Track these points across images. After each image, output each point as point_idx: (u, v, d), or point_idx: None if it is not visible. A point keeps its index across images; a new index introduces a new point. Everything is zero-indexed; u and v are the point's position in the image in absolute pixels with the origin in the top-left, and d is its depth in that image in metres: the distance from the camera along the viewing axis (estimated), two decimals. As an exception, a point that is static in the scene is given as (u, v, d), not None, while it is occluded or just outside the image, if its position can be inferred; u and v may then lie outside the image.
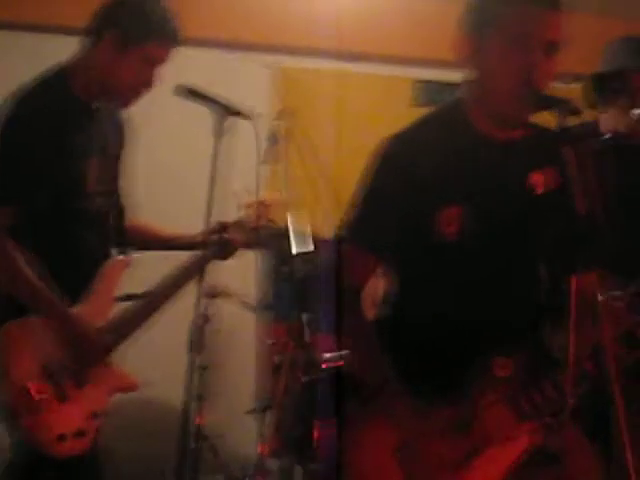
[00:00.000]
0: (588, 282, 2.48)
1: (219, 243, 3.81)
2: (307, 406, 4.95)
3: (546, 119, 2.75)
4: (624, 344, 2.80)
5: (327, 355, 4.98)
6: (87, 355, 3.62)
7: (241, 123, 3.88)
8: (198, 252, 3.88)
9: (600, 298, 2.47)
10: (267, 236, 4.39)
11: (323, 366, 4.93)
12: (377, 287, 3.08)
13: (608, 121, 4.19)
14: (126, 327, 3.77)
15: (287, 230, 4.49)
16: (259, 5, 6.80)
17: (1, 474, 3.84)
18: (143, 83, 3.69)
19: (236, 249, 3.96)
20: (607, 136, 4.14)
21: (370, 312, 3.08)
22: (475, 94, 2.98)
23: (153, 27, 3.64)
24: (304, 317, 4.34)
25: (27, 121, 3.55)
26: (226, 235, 3.84)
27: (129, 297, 3.83)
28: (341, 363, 4.60)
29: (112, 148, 3.88)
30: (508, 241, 2.92)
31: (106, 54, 3.63)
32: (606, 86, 4.20)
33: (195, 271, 3.83)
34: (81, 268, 3.73)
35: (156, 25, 3.64)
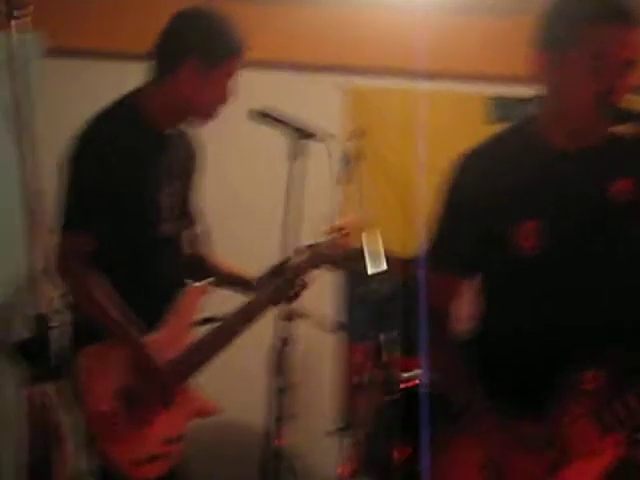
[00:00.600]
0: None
1: (280, 287, 3.79)
2: (387, 426, 4.93)
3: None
4: None
5: (405, 375, 4.96)
6: (156, 383, 3.63)
7: (314, 145, 3.87)
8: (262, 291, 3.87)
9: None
10: (343, 258, 4.38)
11: (412, 385, 4.92)
12: (463, 306, 3.06)
13: None
14: (201, 357, 3.78)
15: (362, 251, 4.46)
16: (328, 27, 6.82)
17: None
18: (222, 99, 3.71)
19: (304, 288, 3.94)
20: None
21: (457, 331, 3.06)
22: (549, 109, 2.94)
23: (229, 45, 3.65)
24: (382, 337, 4.31)
25: (98, 150, 3.57)
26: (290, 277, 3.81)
27: (207, 320, 3.83)
28: (418, 382, 4.62)
29: (184, 174, 3.89)
30: (589, 253, 2.87)
31: (188, 80, 3.62)
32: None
33: (262, 308, 3.84)
34: (157, 295, 3.73)
35: (231, 42, 3.65)
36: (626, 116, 2.67)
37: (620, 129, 2.79)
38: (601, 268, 2.87)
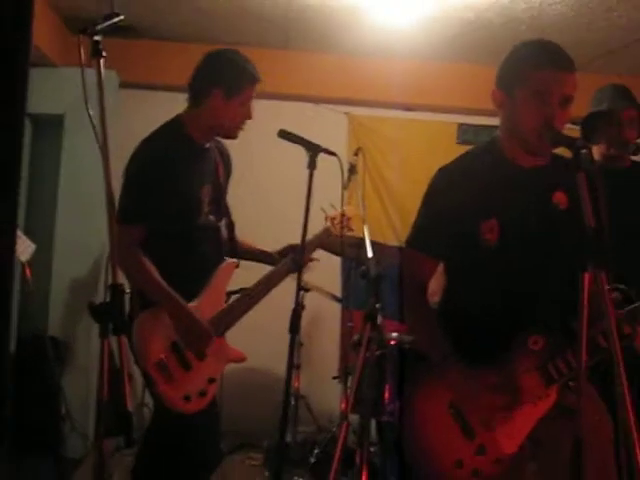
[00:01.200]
0: (598, 278, 2.46)
1: (297, 258, 3.82)
2: (379, 373, 4.94)
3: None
4: (628, 324, 2.80)
5: (394, 334, 4.99)
6: (198, 338, 3.65)
7: (326, 159, 3.89)
8: (282, 262, 3.91)
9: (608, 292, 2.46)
10: (349, 245, 4.39)
11: (391, 342, 4.94)
12: (438, 282, 3.07)
13: (600, 150, 4.19)
14: (232, 317, 3.80)
15: (363, 239, 4.48)
16: (338, 69, 6.84)
17: (148, 427, 3.90)
18: (245, 118, 3.76)
19: (307, 264, 3.95)
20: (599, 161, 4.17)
21: (433, 301, 3.07)
22: (507, 133, 2.98)
23: (246, 77, 3.71)
24: (377, 305, 4.32)
25: (152, 156, 3.62)
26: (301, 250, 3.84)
27: (236, 292, 3.85)
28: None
29: (221, 178, 3.90)
30: (536, 244, 2.90)
31: (215, 106, 3.69)
32: (597, 123, 4.19)
33: (282, 277, 3.87)
34: (198, 270, 3.75)
35: (247, 74, 3.71)
36: (564, 141, 2.69)
37: (560, 151, 2.81)
38: (544, 256, 2.90)
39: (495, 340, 2.87)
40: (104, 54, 2.70)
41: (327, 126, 6.34)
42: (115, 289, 2.57)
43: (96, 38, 2.71)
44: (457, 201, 2.94)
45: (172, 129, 3.73)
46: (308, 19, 5.92)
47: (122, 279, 2.73)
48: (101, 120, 2.58)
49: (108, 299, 2.58)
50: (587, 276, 2.44)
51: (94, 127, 2.57)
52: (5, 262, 1.38)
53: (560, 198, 2.93)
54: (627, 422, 2.34)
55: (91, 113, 2.58)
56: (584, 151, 2.59)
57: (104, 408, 2.69)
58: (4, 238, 1.39)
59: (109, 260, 2.68)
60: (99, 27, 2.74)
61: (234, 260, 3.87)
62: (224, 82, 3.67)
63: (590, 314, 2.48)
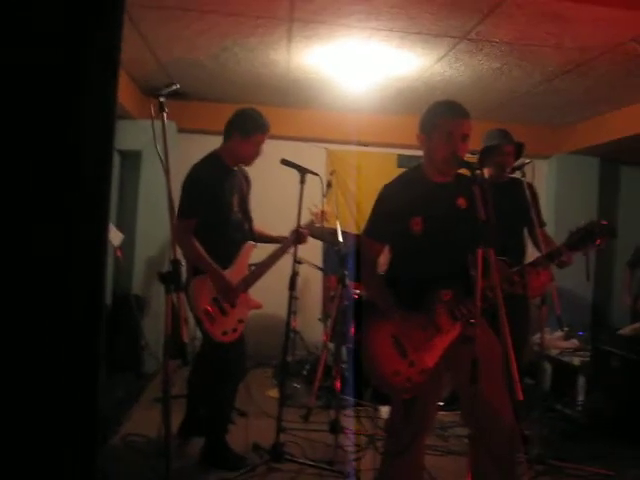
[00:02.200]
0: (489, 254, 2.48)
1: (295, 237, 3.82)
2: (347, 316, 4.95)
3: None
4: (506, 284, 2.80)
5: (356, 291, 4.99)
6: (229, 293, 3.68)
7: (312, 177, 3.90)
8: (285, 240, 3.91)
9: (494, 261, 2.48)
10: (326, 232, 4.39)
11: (356, 297, 4.94)
12: (385, 258, 3.07)
13: (488, 171, 4.23)
14: (252, 279, 3.81)
15: (336, 229, 4.49)
16: (320, 118, 6.82)
17: (198, 352, 3.95)
18: (256, 155, 3.82)
19: (306, 240, 3.96)
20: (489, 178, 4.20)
21: (381, 270, 3.08)
22: (427, 161, 2.97)
23: (255, 125, 3.76)
24: (345, 272, 4.33)
25: (199, 174, 3.72)
26: (298, 232, 3.85)
27: (254, 264, 3.86)
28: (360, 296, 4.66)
29: (244, 190, 3.91)
30: (447, 233, 2.90)
31: (235, 144, 3.76)
32: (487, 153, 4.22)
33: (284, 252, 3.88)
34: (231, 248, 3.77)
35: (256, 124, 3.77)
36: (465, 165, 2.71)
37: (462, 171, 2.82)
38: (453, 239, 2.89)
39: (421, 294, 2.88)
40: (166, 110, 2.71)
41: (312, 157, 6.30)
42: (174, 263, 2.60)
43: (161, 99, 2.72)
44: (395, 205, 2.93)
45: (211, 157, 3.80)
46: (299, 86, 5.91)
47: (179, 256, 2.75)
48: (165, 154, 2.60)
49: (170, 269, 2.60)
50: (480, 252, 2.46)
51: (160, 159, 2.59)
52: (101, 247, 1.38)
53: (461, 202, 2.93)
54: (506, 345, 2.36)
55: (159, 149, 2.60)
56: (478, 171, 2.62)
57: (168, 340, 2.70)
58: (102, 230, 1.39)
59: (171, 244, 2.69)
60: (162, 92, 2.76)
61: (253, 243, 3.87)
62: (241, 128, 3.74)
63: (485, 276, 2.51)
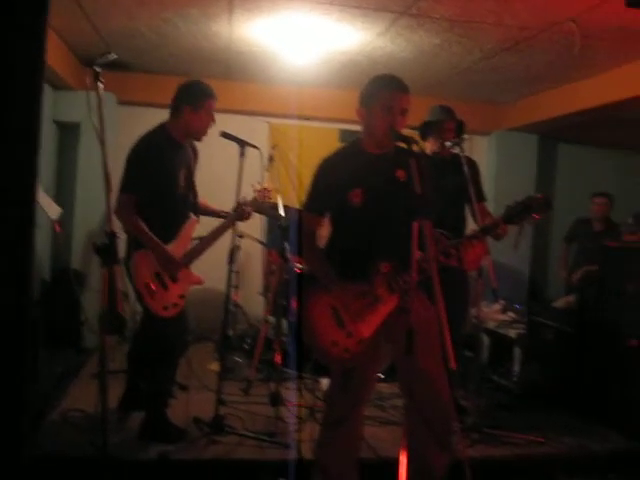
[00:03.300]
0: (426, 226, 2.52)
1: (237, 213, 3.81)
2: (288, 290, 4.96)
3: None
4: (443, 257, 2.85)
5: (298, 265, 5.00)
6: (171, 268, 3.65)
7: (253, 151, 3.90)
8: (229, 216, 3.89)
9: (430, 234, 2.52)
10: (268, 207, 4.39)
11: (296, 270, 4.96)
12: (325, 231, 3.09)
13: (430, 146, 4.30)
14: (194, 254, 3.79)
15: (278, 203, 4.50)
16: (263, 92, 6.78)
17: (138, 327, 3.93)
18: (208, 124, 3.75)
19: (249, 217, 3.95)
20: (429, 154, 4.30)
21: (321, 243, 3.09)
22: (366, 134, 2.99)
23: (206, 92, 3.73)
24: (285, 246, 4.33)
25: (144, 148, 3.63)
26: (242, 209, 3.84)
27: (197, 238, 3.83)
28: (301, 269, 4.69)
29: (191, 165, 3.87)
30: (386, 204, 2.92)
31: (186, 117, 3.68)
32: (429, 129, 4.27)
33: (227, 227, 3.85)
34: (174, 223, 3.73)
35: (207, 91, 3.73)
36: (403, 138, 2.73)
37: (400, 144, 2.84)
38: (391, 211, 2.92)
39: (360, 266, 2.89)
40: (102, 80, 2.67)
41: (255, 131, 6.30)
42: (110, 235, 2.57)
43: (96, 69, 2.67)
44: (334, 177, 2.95)
45: (159, 131, 3.73)
46: (242, 59, 5.86)
47: (116, 228, 2.72)
48: (100, 125, 2.56)
49: (106, 241, 2.58)
50: (416, 224, 2.50)
51: (96, 130, 2.56)
52: (27, 227, 1.36)
53: (400, 174, 2.94)
54: (440, 315, 2.41)
55: (94, 120, 2.56)
56: (415, 145, 2.65)
57: (104, 314, 2.67)
58: (26, 208, 1.37)
59: (106, 216, 2.65)
60: (97, 61, 2.71)
61: (196, 217, 3.85)
62: (190, 100, 3.67)
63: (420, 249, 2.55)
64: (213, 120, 3.75)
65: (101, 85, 2.71)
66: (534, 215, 2.89)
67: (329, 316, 2.91)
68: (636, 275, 4.49)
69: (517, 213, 2.89)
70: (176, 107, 3.72)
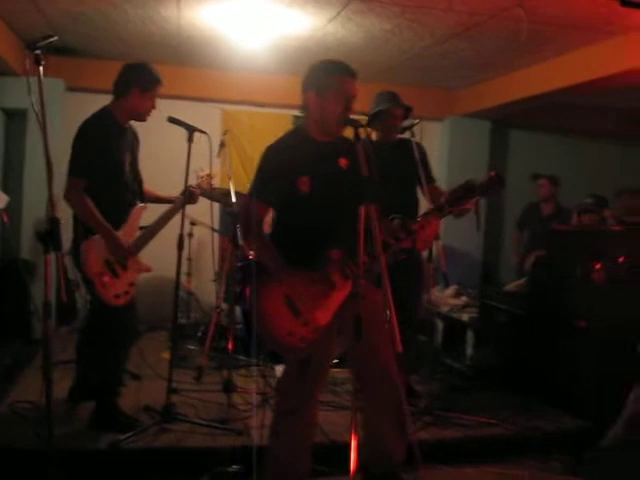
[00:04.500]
0: (371, 210, 2.52)
1: (185, 197, 3.78)
2: (240, 277, 4.94)
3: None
4: (393, 240, 2.87)
5: (251, 252, 4.98)
6: (121, 255, 3.61)
7: (202, 137, 3.86)
8: (178, 200, 3.86)
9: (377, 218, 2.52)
10: (220, 193, 4.36)
11: (249, 257, 4.94)
12: (269, 219, 3.08)
13: (378, 133, 4.36)
14: (142, 241, 3.75)
15: (230, 189, 4.48)
16: (216, 79, 6.73)
17: (89, 315, 3.89)
18: (152, 108, 3.71)
19: (196, 201, 3.93)
20: (378, 140, 4.33)
21: (267, 231, 3.08)
22: (313, 120, 2.97)
23: (156, 78, 3.67)
24: (237, 232, 4.31)
25: (90, 131, 3.57)
26: (189, 192, 3.82)
27: (143, 227, 3.79)
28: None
29: (134, 149, 3.82)
30: (332, 192, 2.91)
31: (133, 99, 3.62)
32: (376, 116, 4.28)
33: (175, 212, 3.82)
34: (121, 209, 3.68)
35: (157, 77, 3.68)
36: (351, 122, 2.73)
37: (347, 131, 2.83)
38: (338, 199, 2.91)
39: (311, 254, 2.88)
40: (43, 63, 2.60)
41: (208, 117, 6.25)
42: (53, 221, 2.53)
43: (36, 52, 2.61)
44: (281, 165, 2.93)
45: (102, 114, 3.66)
46: (193, 44, 5.80)
47: (60, 214, 2.67)
48: (41, 110, 2.51)
49: (48, 228, 2.53)
50: (363, 208, 2.50)
51: (37, 115, 2.51)
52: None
53: (343, 162, 2.95)
54: (387, 299, 2.42)
55: (34, 104, 2.51)
56: (361, 129, 2.65)
57: (47, 303, 2.62)
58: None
59: (49, 201, 2.60)
60: (38, 44, 2.64)
61: (143, 204, 3.80)
62: (139, 83, 3.61)
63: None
64: (154, 107, 3.72)
65: (42, 69, 2.64)
66: (473, 197, 2.91)
67: (284, 306, 2.89)
68: (584, 257, 4.57)
69: (459, 197, 2.91)
70: (122, 89, 3.65)
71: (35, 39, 2.71)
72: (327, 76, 2.90)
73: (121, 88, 3.65)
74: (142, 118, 3.73)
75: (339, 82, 2.86)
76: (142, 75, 3.66)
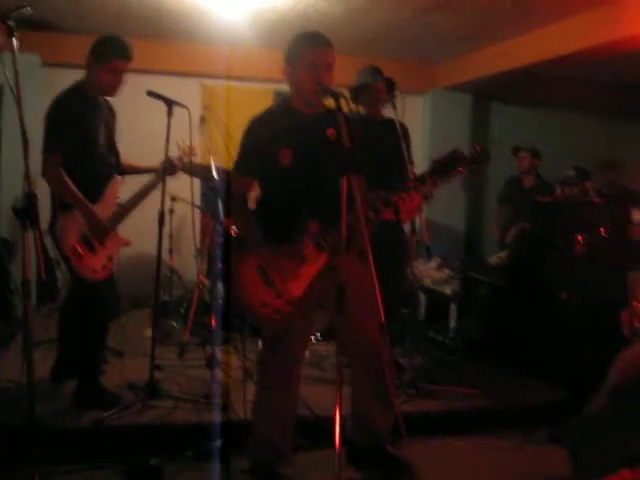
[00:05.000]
0: (355, 181, 2.50)
1: (166, 168, 3.75)
2: (222, 252, 4.90)
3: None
4: (372, 212, 2.85)
5: (234, 227, 4.96)
6: (99, 230, 3.58)
7: (182, 111, 3.80)
8: (157, 172, 3.82)
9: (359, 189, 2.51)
10: (201, 169, 4.33)
11: (232, 233, 4.92)
12: (255, 193, 3.07)
13: (362, 109, 4.37)
14: (121, 215, 3.73)
15: (210, 164, 4.44)
16: (195, 53, 6.67)
17: (68, 291, 3.87)
18: (117, 83, 3.63)
19: (177, 172, 3.93)
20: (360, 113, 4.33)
21: (251, 206, 3.06)
22: (295, 93, 2.98)
23: (114, 52, 3.58)
24: (219, 208, 4.29)
25: (63, 105, 3.54)
26: (170, 163, 3.79)
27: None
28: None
29: (109, 122, 3.78)
30: (316, 164, 2.91)
31: (96, 71, 3.58)
32: (359, 91, 4.25)
33: (155, 185, 3.80)
34: (98, 183, 3.66)
35: (115, 50, 3.59)
36: (330, 92, 2.71)
37: (329, 102, 2.81)
38: (322, 172, 2.90)
39: (290, 226, 2.90)
40: (16, 34, 2.54)
41: (188, 91, 6.14)
42: (30, 196, 2.49)
43: (9, 23, 2.54)
44: (263, 138, 2.93)
45: (74, 88, 3.62)
46: (173, 17, 5.72)
47: (38, 192, 2.62)
48: (17, 86, 2.46)
49: (25, 204, 2.49)
50: (346, 179, 2.48)
51: (11, 89, 2.46)
52: None
53: (331, 133, 2.92)
54: (371, 271, 2.41)
55: (8, 77, 2.45)
56: (342, 99, 2.63)
57: (26, 280, 2.59)
58: None
59: (25, 177, 2.55)
60: (11, 15, 2.57)
61: (120, 178, 3.77)
62: (97, 54, 3.57)
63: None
64: (120, 82, 3.64)
65: (17, 42, 2.58)
66: (459, 169, 2.90)
67: (257, 277, 2.91)
68: (566, 229, 4.58)
69: (443, 166, 2.90)
70: (87, 62, 3.62)
71: (7, 9, 2.63)
72: (297, 48, 2.91)
73: (86, 62, 3.62)
74: (109, 93, 3.68)
75: (308, 53, 2.86)
76: (101, 47, 3.60)
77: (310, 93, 2.86)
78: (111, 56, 3.56)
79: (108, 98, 3.76)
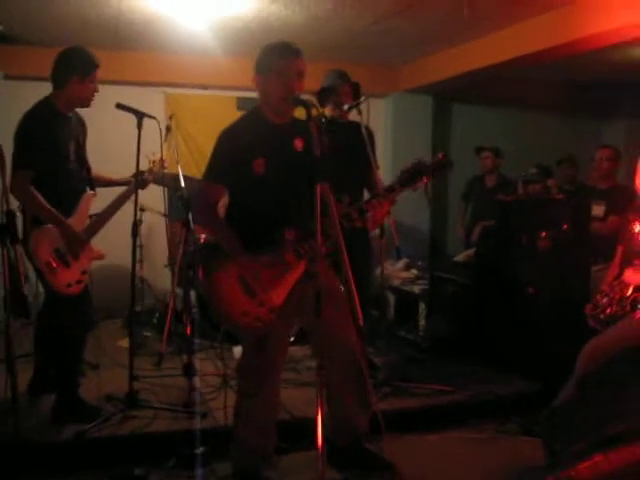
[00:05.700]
0: (325, 189, 2.55)
1: (138, 181, 3.76)
2: (194, 261, 4.92)
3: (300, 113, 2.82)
4: (345, 220, 2.91)
5: (203, 235, 4.98)
6: (75, 244, 3.58)
7: (149, 122, 3.82)
8: (127, 187, 3.85)
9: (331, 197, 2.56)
10: (168, 178, 4.35)
11: (201, 241, 4.94)
12: (224, 201, 3.08)
13: (328, 112, 4.39)
14: (94, 229, 3.72)
15: (178, 174, 4.46)
16: (160, 62, 6.64)
17: (43, 305, 3.81)
18: (94, 92, 3.62)
19: (148, 184, 3.95)
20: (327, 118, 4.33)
21: (221, 213, 3.09)
22: (265, 102, 3.00)
23: (94, 62, 3.60)
24: (189, 216, 4.30)
25: (31, 123, 3.51)
26: (142, 177, 3.80)
27: (94, 215, 3.76)
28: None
29: (80, 138, 3.77)
30: (289, 172, 2.95)
31: (74, 86, 3.55)
32: (325, 94, 4.31)
33: (127, 197, 3.80)
34: (70, 198, 3.64)
35: (95, 60, 3.60)
36: (300, 102, 2.77)
37: (298, 112, 2.87)
38: (292, 180, 2.97)
39: (266, 235, 2.92)
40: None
41: (151, 101, 6.13)
42: (8, 214, 2.50)
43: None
44: (237, 148, 2.94)
45: (44, 104, 3.59)
46: (134, 28, 5.70)
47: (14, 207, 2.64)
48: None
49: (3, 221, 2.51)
50: (318, 187, 2.53)
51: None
52: None
53: (298, 143, 2.98)
54: (347, 278, 2.47)
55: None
56: (313, 108, 2.68)
57: (8, 296, 2.60)
58: None
59: (2, 194, 2.57)
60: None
61: (92, 192, 3.77)
62: (78, 67, 3.55)
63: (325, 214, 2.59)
64: (97, 90, 3.65)
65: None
66: (424, 178, 3.00)
67: (238, 286, 2.92)
68: (530, 226, 4.69)
69: (410, 177, 2.99)
70: (62, 78, 3.56)
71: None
72: (267, 58, 2.94)
73: (61, 77, 3.57)
74: (86, 104, 3.67)
75: (280, 64, 2.88)
76: (79, 61, 3.58)
77: (280, 103, 2.90)
78: (93, 68, 3.58)
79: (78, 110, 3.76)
